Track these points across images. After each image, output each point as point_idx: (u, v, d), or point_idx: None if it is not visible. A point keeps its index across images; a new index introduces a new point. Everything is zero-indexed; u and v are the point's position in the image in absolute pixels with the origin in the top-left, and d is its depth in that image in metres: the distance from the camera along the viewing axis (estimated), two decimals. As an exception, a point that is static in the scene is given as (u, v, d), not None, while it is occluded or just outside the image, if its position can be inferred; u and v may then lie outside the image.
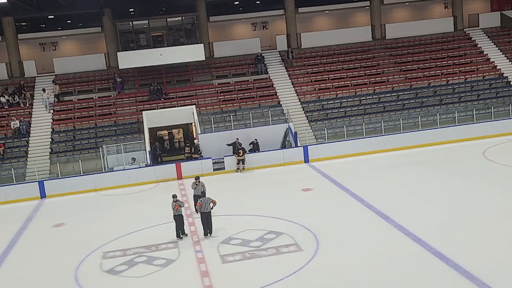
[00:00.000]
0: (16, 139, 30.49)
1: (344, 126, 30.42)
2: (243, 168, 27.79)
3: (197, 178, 20.63)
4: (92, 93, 34.28)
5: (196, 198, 19.89)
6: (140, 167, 27.70)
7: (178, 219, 18.07)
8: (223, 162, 28.02)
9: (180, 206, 18.04)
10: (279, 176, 26.27)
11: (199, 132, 29.91)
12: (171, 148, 34.58)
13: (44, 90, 32.59)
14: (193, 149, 28.63)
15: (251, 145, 28.90)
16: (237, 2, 39.83)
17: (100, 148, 28.78)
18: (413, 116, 31.10)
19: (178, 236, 18.11)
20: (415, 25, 38.95)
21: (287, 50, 36.45)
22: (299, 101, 33.18)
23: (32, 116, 32.28)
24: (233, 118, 30.89)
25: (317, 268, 14.77)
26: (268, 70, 35.66)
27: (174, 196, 18.24)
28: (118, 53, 33.13)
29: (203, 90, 34.11)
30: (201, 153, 28.52)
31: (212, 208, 17.97)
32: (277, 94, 33.67)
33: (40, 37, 37.15)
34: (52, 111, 32.03)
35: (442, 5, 41.70)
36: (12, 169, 27.68)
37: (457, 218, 17.61)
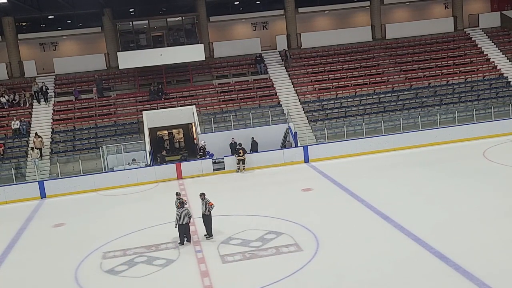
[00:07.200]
0: (16, 139, 30.49)
1: (344, 126, 30.40)
2: (243, 168, 27.78)
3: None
4: (92, 93, 34.25)
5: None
6: (140, 167, 27.71)
7: None
8: (223, 162, 28.01)
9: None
10: (279, 176, 26.27)
11: (199, 132, 29.91)
12: (171, 148, 34.55)
13: (32, 149, 29.06)
14: (198, 149, 28.67)
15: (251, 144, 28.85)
16: (237, 2, 39.81)
17: (100, 148, 28.78)
18: (413, 116, 31.08)
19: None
20: (415, 25, 38.97)
21: (284, 51, 36.33)
22: (299, 101, 33.17)
23: (32, 116, 32.28)
24: (233, 118, 30.88)
25: (317, 268, 14.76)
26: (268, 70, 35.64)
27: (178, 194, 18.22)
28: (118, 53, 33.14)
29: (203, 90, 34.11)
30: (202, 154, 28.40)
31: (209, 211, 17.78)
32: (277, 94, 33.66)
33: (40, 37, 37.14)
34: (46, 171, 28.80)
35: (442, 5, 41.71)
36: (12, 169, 27.67)
37: (457, 218, 17.61)
